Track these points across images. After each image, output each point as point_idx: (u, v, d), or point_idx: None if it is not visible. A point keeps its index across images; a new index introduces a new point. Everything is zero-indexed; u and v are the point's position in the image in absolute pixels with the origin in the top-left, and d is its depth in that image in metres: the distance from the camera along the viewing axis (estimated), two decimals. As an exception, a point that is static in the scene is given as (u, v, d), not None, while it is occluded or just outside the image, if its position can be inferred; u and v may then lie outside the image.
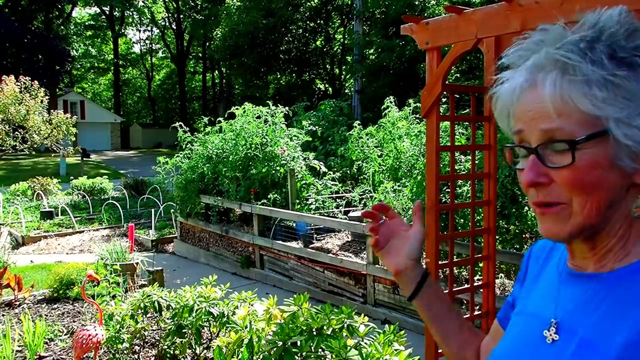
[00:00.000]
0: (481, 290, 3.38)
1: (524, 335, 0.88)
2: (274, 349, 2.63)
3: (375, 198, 7.43)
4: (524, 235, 5.53)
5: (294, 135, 9.12)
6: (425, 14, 17.79)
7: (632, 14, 0.74)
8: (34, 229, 11.10)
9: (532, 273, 0.99)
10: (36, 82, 13.52)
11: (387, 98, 8.71)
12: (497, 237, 3.51)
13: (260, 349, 2.72)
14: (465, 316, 3.34)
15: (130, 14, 49.69)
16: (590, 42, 0.73)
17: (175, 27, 48.91)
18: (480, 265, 4.74)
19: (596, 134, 0.72)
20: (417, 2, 20.00)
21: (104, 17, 48.67)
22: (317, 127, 11.34)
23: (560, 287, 0.86)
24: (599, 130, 0.72)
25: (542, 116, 0.75)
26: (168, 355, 3.98)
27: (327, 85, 33.36)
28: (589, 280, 0.81)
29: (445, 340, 1.13)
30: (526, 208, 5.33)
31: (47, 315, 5.27)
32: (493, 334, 1.09)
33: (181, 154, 9.82)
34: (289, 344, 2.63)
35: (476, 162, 3.40)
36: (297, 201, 8.24)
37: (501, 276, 5.48)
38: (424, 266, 1.15)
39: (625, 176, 0.74)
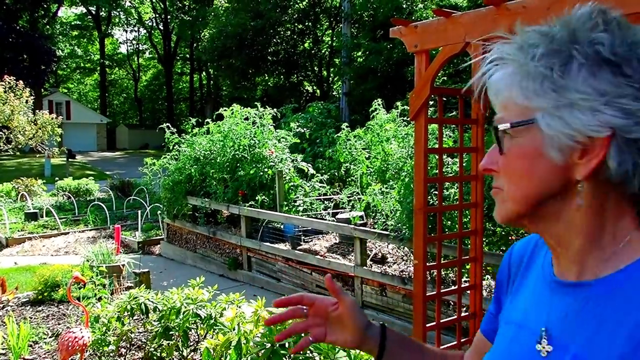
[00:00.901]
0: (468, 291, 3.40)
1: (515, 348, 0.85)
2: (262, 351, 2.63)
3: (363, 200, 7.45)
4: (510, 237, 5.57)
5: (282, 137, 9.12)
6: (413, 17, 17.88)
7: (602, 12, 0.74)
8: (18, 231, 10.97)
9: (514, 277, 0.97)
10: (21, 82, 13.39)
11: (375, 100, 8.74)
12: (484, 239, 3.53)
13: (249, 351, 2.71)
14: (452, 318, 3.36)
15: (117, 14, 49.32)
16: (540, 36, 0.74)
17: (162, 28, 48.63)
18: (468, 267, 4.77)
19: (520, 122, 0.74)
20: (404, 6, 20.11)
21: (90, 17, 48.26)
22: (305, 129, 11.35)
23: (551, 297, 0.83)
24: (524, 120, 0.74)
25: (497, 107, 0.79)
26: (155, 357, 3.95)
27: (315, 88, 33.39)
28: (576, 290, 0.79)
29: None
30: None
31: (31, 318, 5.21)
32: (477, 348, 1.07)
33: (168, 155, 9.77)
34: (277, 345, 2.63)
35: (464, 164, 3.42)
36: (285, 203, 8.23)
37: (488, 278, 5.52)
38: (377, 324, 1.08)
39: (560, 170, 0.74)
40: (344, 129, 9.54)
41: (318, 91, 32.21)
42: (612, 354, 0.70)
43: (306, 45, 31.29)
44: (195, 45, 45.21)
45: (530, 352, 0.81)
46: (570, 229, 0.77)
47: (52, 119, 14.08)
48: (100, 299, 5.29)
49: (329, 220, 7.54)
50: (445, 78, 16.89)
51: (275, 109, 9.43)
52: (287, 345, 2.69)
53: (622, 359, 0.69)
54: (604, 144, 0.70)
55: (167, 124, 9.98)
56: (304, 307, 1.08)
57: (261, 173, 8.39)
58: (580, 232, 0.77)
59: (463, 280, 3.55)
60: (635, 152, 0.70)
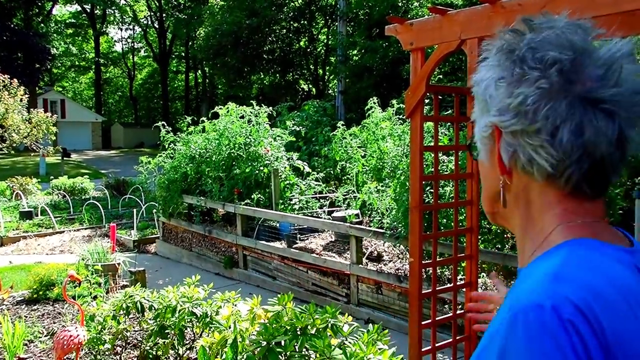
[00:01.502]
0: (464, 289, 3.41)
1: None
2: (258, 349, 2.63)
3: (359, 198, 7.45)
4: (505, 235, 5.59)
5: (278, 136, 9.11)
6: (409, 16, 17.88)
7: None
8: (13, 230, 10.93)
9: None
10: (15, 80, 13.32)
11: (371, 99, 8.74)
12: (479, 236, 3.54)
13: (245, 349, 2.71)
14: (448, 315, 3.37)
15: (112, 12, 49.14)
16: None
17: (157, 26, 48.48)
18: (463, 264, 4.78)
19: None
20: (400, 4, 20.11)
21: (85, 15, 48.07)
22: (300, 127, 11.35)
23: None
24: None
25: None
26: (150, 356, 3.95)
27: (310, 86, 33.36)
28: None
29: None
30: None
31: (26, 317, 5.19)
32: None
33: (164, 153, 9.75)
34: (273, 343, 2.63)
35: (459, 162, 3.43)
36: (281, 201, 8.23)
37: (483, 275, 5.53)
38: None
39: (495, 169, 0.81)
40: (339, 127, 9.54)
41: (314, 89, 32.19)
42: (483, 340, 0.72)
43: (302, 43, 31.25)
44: (190, 43, 45.10)
45: None
46: (513, 222, 0.84)
47: (47, 117, 14.03)
48: (95, 297, 5.27)
49: (325, 219, 7.54)
50: (441, 76, 16.91)
51: (270, 108, 9.42)
52: (282, 343, 2.69)
53: (480, 347, 0.71)
54: (496, 140, 0.78)
55: (163, 122, 9.95)
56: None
57: (257, 171, 8.39)
58: (517, 224, 0.82)
59: (458, 278, 3.55)
60: (527, 145, 0.74)
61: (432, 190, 3.82)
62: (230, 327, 3.17)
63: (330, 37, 30.40)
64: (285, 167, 8.55)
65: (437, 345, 3.14)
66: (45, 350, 4.43)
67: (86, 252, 6.70)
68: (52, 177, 16.97)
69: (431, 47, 3.09)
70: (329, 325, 2.76)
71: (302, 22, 29.98)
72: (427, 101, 5.56)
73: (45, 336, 4.72)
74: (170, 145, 9.62)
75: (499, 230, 5.42)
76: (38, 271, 5.90)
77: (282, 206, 8.18)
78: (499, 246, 5.41)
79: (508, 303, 0.70)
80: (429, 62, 2.94)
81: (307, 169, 8.96)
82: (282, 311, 2.89)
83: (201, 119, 9.51)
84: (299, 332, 2.74)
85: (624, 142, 0.73)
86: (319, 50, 32.33)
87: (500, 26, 2.70)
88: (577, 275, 0.69)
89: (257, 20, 26.43)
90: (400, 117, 8.32)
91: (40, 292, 5.72)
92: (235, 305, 3.56)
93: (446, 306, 5.20)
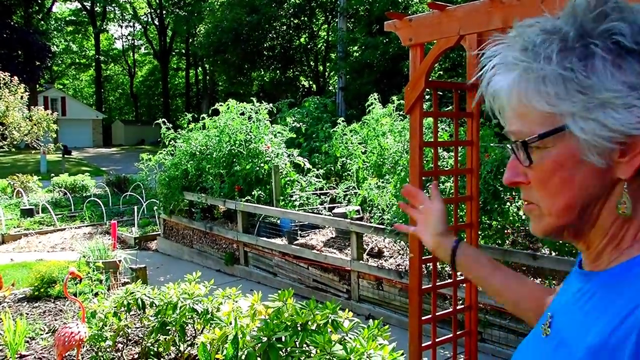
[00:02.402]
0: (464, 284, 3.42)
1: (537, 326, 0.88)
2: (259, 345, 2.63)
3: (359, 194, 7.46)
4: (505, 231, 5.59)
5: (278, 132, 9.11)
6: (409, 12, 17.86)
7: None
8: (14, 227, 10.94)
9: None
10: (16, 77, 13.32)
11: (371, 95, 8.74)
12: (479, 232, 3.55)
13: (245, 345, 2.72)
14: (448, 310, 3.38)
15: (112, 9, 49.11)
16: (548, 33, 0.70)
17: (157, 23, 48.45)
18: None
19: (550, 131, 0.70)
20: (400, 0, 20.08)
21: (85, 12, 48.05)
22: (301, 123, 11.33)
23: (567, 282, 0.85)
24: (554, 128, 0.70)
25: (509, 118, 0.75)
26: (152, 352, 3.96)
27: (311, 82, 33.34)
28: (583, 278, 0.79)
29: (497, 294, 1.23)
30: (508, 204, 5.39)
31: (28, 314, 5.21)
32: None
33: (164, 150, 9.75)
34: (274, 339, 2.64)
35: (459, 158, 3.43)
36: (282, 198, 8.23)
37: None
38: (454, 237, 1.30)
39: (601, 172, 0.70)
40: (340, 123, 9.53)
41: (314, 86, 32.17)
42: (585, 342, 0.69)
43: (302, 40, 31.22)
44: (190, 40, 45.06)
45: (538, 329, 0.85)
46: (599, 230, 0.75)
47: (48, 115, 14.03)
48: (96, 294, 5.29)
49: (326, 215, 7.55)
50: (441, 72, 16.90)
51: (271, 104, 9.42)
52: (283, 339, 2.70)
53: (590, 350, 0.68)
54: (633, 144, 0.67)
55: (163, 119, 9.95)
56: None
57: (257, 168, 8.39)
58: (607, 233, 0.74)
59: (458, 273, 3.56)
60: None
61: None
62: (231, 324, 3.17)
63: (330, 33, 30.38)
64: (285, 164, 8.56)
65: (437, 340, 3.14)
66: (47, 347, 4.44)
67: (87, 250, 6.71)
68: (52, 174, 16.99)
69: (430, 43, 3.09)
70: (330, 321, 2.77)
71: (303, 18, 29.95)
72: (427, 97, 5.57)
73: (47, 333, 4.74)
74: (171, 143, 9.63)
75: (499, 226, 5.42)
76: (39, 268, 5.91)
77: (283, 203, 8.19)
78: (499, 242, 5.41)
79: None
80: (428, 57, 2.94)
81: (308, 166, 8.96)
82: (283, 307, 2.89)
83: (202, 115, 9.51)
84: (299, 328, 2.75)
85: None
86: (319, 46, 32.30)
87: (499, 22, 2.68)
88: None
89: (257, 16, 26.40)
90: (401, 113, 8.31)
91: (42, 290, 5.73)
92: (236, 302, 3.57)
93: (446, 302, 5.21)
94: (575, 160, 0.70)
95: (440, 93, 3.28)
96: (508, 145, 0.79)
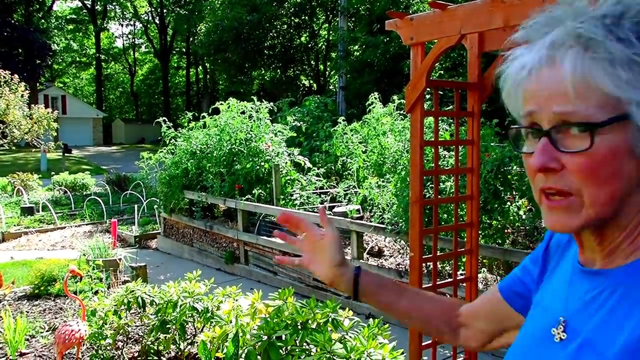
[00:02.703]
0: (464, 284, 3.42)
1: (535, 331, 0.85)
2: (259, 343, 2.64)
3: (360, 194, 7.46)
4: (506, 231, 5.59)
5: (279, 131, 9.11)
6: (410, 11, 17.85)
7: None
8: (14, 225, 10.95)
9: (551, 260, 0.95)
10: (16, 76, 13.33)
11: (372, 94, 8.75)
12: (479, 231, 3.55)
13: (245, 343, 2.72)
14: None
15: (113, 8, 49.12)
16: (617, 17, 0.66)
17: (158, 22, 48.45)
18: (464, 260, 4.79)
19: (618, 117, 0.66)
20: (401, -1, 20.06)
21: (85, 10, 48.06)
22: (301, 122, 11.33)
23: (570, 283, 0.82)
24: (621, 114, 0.66)
25: (558, 97, 0.68)
26: (152, 351, 3.97)
27: (311, 82, 33.33)
28: (597, 277, 0.76)
29: (406, 316, 1.17)
30: (508, 203, 5.39)
31: (28, 312, 5.21)
32: (488, 302, 1.09)
33: (165, 149, 9.75)
34: (274, 338, 2.64)
35: (459, 157, 3.43)
36: (282, 197, 8.23)
37: (484, 270, 5.55)
38: (353, 265, 1.17)
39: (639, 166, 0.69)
40: (340, 122, 9.54)
41: (315, 85, 32.17)
42: (618, 339, 0.68)
43: (303, 39, 31.21)
44: (191, 39, 45.05)
45: (546, 334, 0.80)
46: (619, 224, 0.73)
47: (48, 113, 14.04)
48: (96, 292, 5.29)
49: (326, 214, 7.54)
50: (442, 72, 16.89)
51: (271, 103, 9.42)
52: (283, 337, 2.70)
53: (626, 346, 0.67)
54: None
55: (164, 118, 9.95)
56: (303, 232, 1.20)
57: (258, 167, 8.39)
58: (626, 227, 0.73)
59: (459, 272, 3.56)
60: None
61: (432, 185, 3.82)
62: (231, 322, 3.18)
63: (331, 32, 30.39)
64: (286, 163, 8.56)
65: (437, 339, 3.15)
66: (47, 345, 4.44)
67: (87, 248, 6.71)
68: (53, 173, 17.00)
69: (431, 42, 3.09)
70: (330, 319, 2.77)
71: (303, 17, 29.93)
72: (427, 96, 5.56)
73: (47, 331, 4.74)
74: (171, 141, 9.63)
75: (499, 226, 5.42)
76: (39, 267, 5.91)
77: (283, 202, 8.19)
78: (500, 241, 5.41)
79: None
80: (429, 56, 2.94)
81: (308, 165, 8.96)
82: (283, 306, 2.89)
83: (202, 114, 9.51)
84: (299, 327, 2.75)
85: None
86: (319, 45, 32.29)
87: (500, 21, 2.68)
88: None
89: (258, 15, 26.39)
90: (401, 112, 8.32)
91: (42, 288, 5.74)
92: (237, 300, 3.57)
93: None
94: (628, 150, 0.68)
95: (441, 92, 3.28)
96: (536, 127, 0.72)
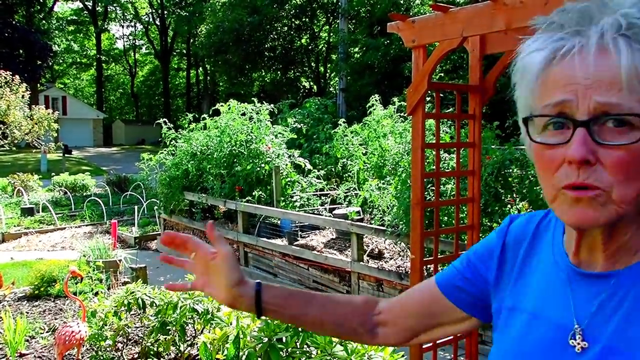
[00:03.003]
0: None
1: (541, 342, 0.80)
2: (260, 345, 2.63)
3: (360, 196, 7.46)
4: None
5: (279, 133, 9.11)
6: (410, 13, 17.87)
7: None
8: (15, 226, 10.94)
9: (510, 260, 0.91)
10: (17, 76, 13.32)
11: (373, 96, 8.75)
12: (480, 234, 3.55)
13: (246, 345, 2.72)
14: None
15: (114, 9, 49.17)
16: None
17: (159, 23, 48.48)
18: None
19: None
20: (401, 1, 20.10)
21: (86, 12, 48.10)
22: (302, 124, 11.34)
23: (572, 288, 0.79)
24: None
25: (602, 86, 0.65)
26: (152, 352, 3.96)
27: (312, 83, 33.36)
28: (603, 280, 0.75)
29: (318, 325, 1.09)
30: (509, 206, 5.39)
31: (28, 313, 5.20)
32: (420, 295, 1.05)
33: (165, 150, 9.76)
34: (275, 340, 2.64)
35: (460, 159, 3.43)
36: (282, 198, 8.23)
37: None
38: (253, 281, 1.07)
39: None
40: (341, 124, 9.54)
41: (315, 87, 32.19)
42: None
43: (303, 41, 31.24)
44: (192, 40, 45.08)
45: (563, 346, 0.77)
46: (628, 223, 0.72)
47: (49, 114, 14.03)
48: (97, 293, 5.29)
49: (326, 216, 7.55)
50: (442, 74, 16.91)
51: (272, 105, 9.43)
52: (284, 339, 2.70)
53: None
54: None
55: (164, 119, 9.96)
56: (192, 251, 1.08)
57: (258, 168, 8.39)
58: (631, 226, 0.73)
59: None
60: None
61: (433, 188, 3.82)
62: (231, 324, 3.17)
63: (331, 34, 30.43)
64: (286, 165, 8.56)
65: (438, 342, 3.14)
66: (47, 346, 4.44)
67: (87, 249, 6.71)
68: (53, 173, 17.00)
69: (433, 45, 3.09)
70: (330, 321, 2.77)
71: (304, 19, 29.97)
72: (428, 99, 5.57)
73: (47, 332, 4.74)
74: (172, 142, 9.63)
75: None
76: (39, 267, 5.91)
77: (284, 203, 8.19)
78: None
79: None
80: (431, 59, 2.94)
81: (309, 166, 8.96)
82: (284, 308, 2.89)
83: (202, 116, 9.52)
84: (300, 329, 2.75)
85: None
86: (320, 47, 32.32)
87: (502, 24, 2.68)
88: None
89: (258, 17, 26.43)
90: (402, 114, 8.32)
91: (42, 289, 5.73)
92: (237, 302, 3.56)
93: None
94: None
95: (441, 95, 3.28)
96: (570, 117, 0.69)
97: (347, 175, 8.99)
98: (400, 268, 6.02)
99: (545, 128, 0.72)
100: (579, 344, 0.75)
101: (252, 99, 9.38)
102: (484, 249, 0.97)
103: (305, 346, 2.71)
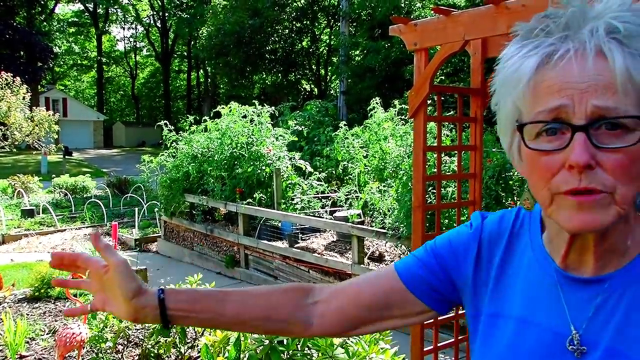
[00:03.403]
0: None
1: (533, 347, 0.79)
2: (261, 347, 2.63)
3: (361, 198, 7.46)
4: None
5: (280, 135, 9.12)
6: (412, 17, 17.89)
7: None
8: (15, 227, 10.94)
9: (488, 259, 0.88)
10: (18, 78, 13.33)
11: (373, 99, 8.77)
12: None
13: (247, 348, 2.72)
14: (449, 315, 3.37)
15: (115, 11, 49.23)
16: None
17: (160, 26, 48.55)
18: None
19: None
20: (402, 5, 20.13)
21: (87, 14, 48.16)
22: (302, 127, 11.35)
23: (564, 292, 0.78)
24: None
25: (598, 90, 0.65)
26: (152, 354, 3.96)
27: (312, 86, 33.38)
28: (595, 284, 0.75)
29: (240, 323, 0.99)
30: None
31: (28, 315, 5.20)
32: (375, 283, 0.97)
33: (166, 152, 9.77)
34: (276, 342, 2.64)
35: (461, 162, 3.43)
36: (283, 201, 8.24)
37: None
38: (154, 289, 0.95)
39: None
40: (341, 127, 9.55)
41: (316, 90, 32.21)
42: None
43: (304, 43, 31.27)
44: (192, 43, 45.13)
45: (561, 352, 0.76)
46: (618, 225, 0.72)
47: (49, 115, 14.04)
48: (97, 295, 5.27)
49: (327, 219, 7.55)
50: (443, 77, 16.92)
51: (273, 107, 9.44)
52: (285, 342, 2.70)
53: None
54: None
55: (165, 121, 9.97)
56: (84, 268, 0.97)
57: (259, 171, 8.40)
58: (621, 227, 0.73)
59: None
60: None
61: (434, 191, 3.82)
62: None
63: (332, 37, 30.45)
64: (287, 167, 8.57)
65: (439, 345, 3.14)
66: (47, 348, 4.43)
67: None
68: (53, 175, 17.00)
69: (434, 48, 3.10)
70: (331, 324, 2.76)
71: (305, 22, 30.00)
72: (429, 102, 5.58)
73: (47, 334, 4.73)
74: (173, 144, 9.64)
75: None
76: (40, 269, 5.91)
77: (284, 206, 8.20)
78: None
79: None
80: (433, 62, 2.94)
81: (309, 169, 8.97)
82: (285, 310, 2.89)
83: (203, 118, 9.53)
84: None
85: None
86: (321, 50, 32.35)
87: (504, 27, 2.68)
88: None
89: (259, 20, 26.45)
90: (403, 117, 8.33)
91: (42, 290, 5.73)
92: (237, 304, 3.56)
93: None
94: None
95: (442, 98, 3.29)
96: (566, 122, 0.68)
97: (347, 177, 9.00)
98: (401, 271, 6.02)
99: (539, 135, 0.71)
100: (577, 349, 0.74)
101: (253, 101, 9.40)
102: (457, 242, 0.92)
103: (306, 348, 2.71)
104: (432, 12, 2.86)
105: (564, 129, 0.68)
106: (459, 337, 3.27)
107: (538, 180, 0.72)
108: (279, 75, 31.44)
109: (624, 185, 0.67)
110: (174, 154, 9.61)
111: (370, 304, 0.96)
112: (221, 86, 41.54)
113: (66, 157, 27.31)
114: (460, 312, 3.32)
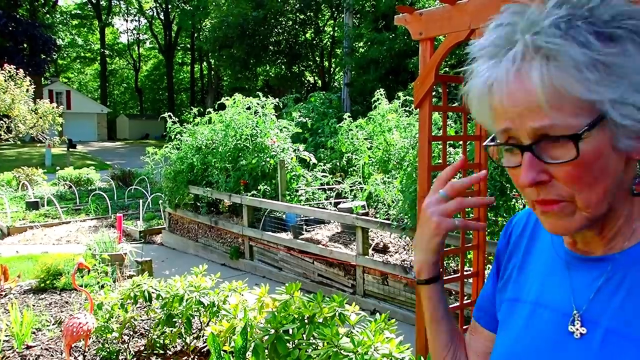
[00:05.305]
0: (470, 280, 3.41)
1: (540, 329, 0.81)
2: (267, 337, 2.64)
3: (365, 190, 7.45)
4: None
5: (284, 127, 9.11)
6: (416, 7, 17.79)
7: None
8: (20, 220, 10.99)
9: (514, 252, 0.93)
10: (21, 70, 13.32)
11: (377, 91, 8.74)
12: (486, 228, 3.54)
13: (253, 337, 2.73)
14: (454, 305, 3.37)
15: (118, 3, 49.18)
16: (568, 21, 0.65)
17: (163, 18, 48.46)
18: (470, 257, 4.78)
19: (596, 120, 0.66)
20: (407, -5, 20.00)
21: (90, 6, 48.10)
22: (306, 119, 11.34)
23: (571, 273, 0.80)
24: (598, 116, 0.66)
25: (531, 112, 0.67)
26: (158, 344, 3.98)
27: (316, 78, 33.30)
28: (601, 264, 0.76)
29: (443, 343, 1.05)
30: (514, 200, 5.38)
31: (34, 306, 5.23)
32: (473, 332, 1.05)
33: (170, 144, 9.78)
34: (282, 331, 2.65)
35: (467, 153, 3.42)
36: (287, 192, 8.24)
37: (490, 267, 5.53)
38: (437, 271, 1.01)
39: (622, 155, 0.69)
40: (346, 119, 9.53)
41: (319, 81, 32.13)
42: None
43: (308, 35, 31.15)
44: (196, 35, 45.06)
45: (562, 333, 0.78)
46: (616, 213, 0.74)
47: (53, 108, 14.04)
48: (102, 286, 5.31)
49: (331, 210, 7.55)
50: (447, 69, 16.84)
51: (277, 99, 9.43)
52: (290, 331, 2.71)
53: None
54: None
55: (169, 113, 9.97)
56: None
57: (263, 162, 8.40)
58: (622, 214, 0.75)
59: (465, 268, 3.56)
60: None
61: (439, 181, 3.81)
62: (237, 316, 3.18)
63: (336, 29, 30.33)
64: (291, 159, 8.56)
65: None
66: (53, 338, 4.46)
67: (93, 242, 6.74)
68: (57, 168, 17.04)
69: (440, 38, 3.08)
70: (337, 314, 2.77)
71: (308, 13, 29.87)
72: (434, 93, 5.55)
73: (53, 324, 4.76)
74: (177, 137, 9.65)
75: (505, 222, 5.41)
76: (45, 261, 5.94)
77: (289, 197, 8.20)
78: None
79: None
80: (438, 51, 2.93)
81: (314, 161, 8.96)
82: (290, 300, 2.90)
83: (207, 110, 9.53)
84: (306, 321, 2.75)
85: None
86: (325, 42, 32.25)
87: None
88: None
89: (263, 11, 26.36)
90: (407, 109, 8.30)
91: (48, 282, 5.76)
92: (242, 295, 3.58)
93: (452, 297, 5.21)
94: (610, 147, 0.68)
95: (447, 89, 3.28)
96: (515, 144, 0.71)
97: (352, 169, 8.99)
98: (405, 262, 6.02)
99: (506, 151, 0.75)
100: (577, 329, 0.76)
101: (257, 93, 9.38)
102: (499, 258, 0.98)
103: (311, 338, 2.71)
104: (438, 1, 2.85)
105: (516, 149, 0.71)
106: (464, 327, 3.27)
107: (519, 190, 0.76)
108: (283, 67, 31.36)
109: (581, 192, 0.69)
110: (178, 146, 9.61)
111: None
112: (225, 78, 41.48)
113: (70, 149, 27.37)
114: (464, 302, 3.32)
